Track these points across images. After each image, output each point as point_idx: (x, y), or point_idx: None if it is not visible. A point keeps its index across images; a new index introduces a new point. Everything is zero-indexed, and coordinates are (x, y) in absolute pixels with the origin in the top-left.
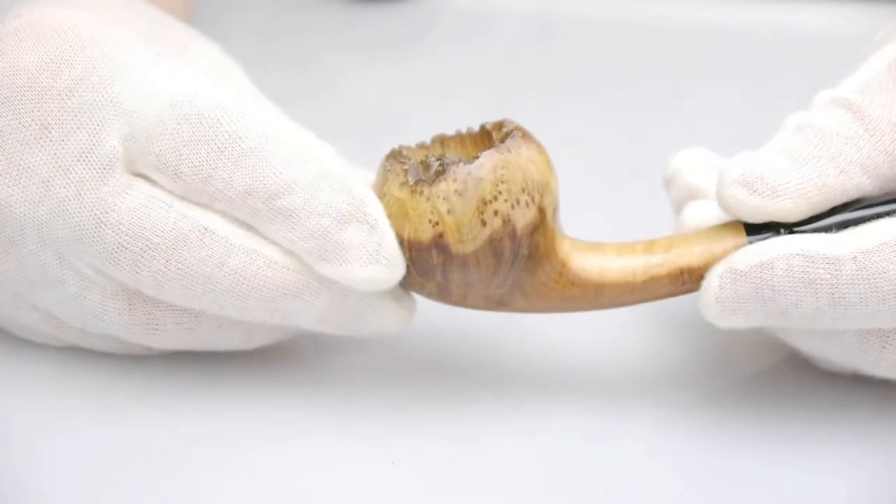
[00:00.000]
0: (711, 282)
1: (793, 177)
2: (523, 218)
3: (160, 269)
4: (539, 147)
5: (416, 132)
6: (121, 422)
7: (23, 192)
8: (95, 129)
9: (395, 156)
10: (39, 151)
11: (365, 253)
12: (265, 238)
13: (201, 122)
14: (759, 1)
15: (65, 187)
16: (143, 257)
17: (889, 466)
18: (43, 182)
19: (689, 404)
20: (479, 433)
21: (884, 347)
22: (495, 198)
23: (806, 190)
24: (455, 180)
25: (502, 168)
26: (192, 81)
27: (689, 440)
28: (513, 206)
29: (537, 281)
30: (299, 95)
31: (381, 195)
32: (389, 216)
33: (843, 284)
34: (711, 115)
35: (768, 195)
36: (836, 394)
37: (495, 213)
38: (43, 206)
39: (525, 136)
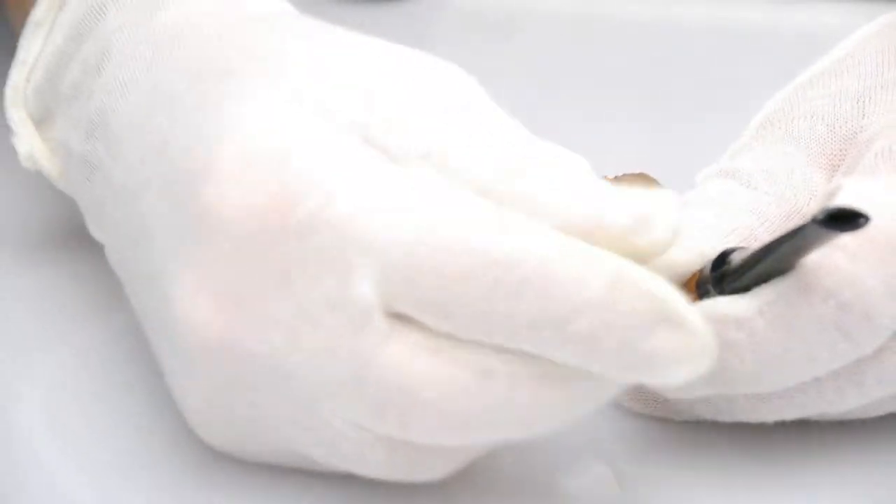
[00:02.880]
0: None
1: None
2: None
3: (433, 425)
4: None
5: None
6: None
7: (264, 344)
8: (342, 273)
9: None
10: (282, 300)
11: (679, 355)
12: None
13: (468, 254)
14: (785, 1)
15: (314, 340)
16: (412, 413)
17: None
18: (290, 332)
19: None
20: None
21: (861, 385)
22: None
23: (689, 231)
24: None
25: None
26: (446, 198)
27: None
28: None
29: None
30: None
31: None
32: None
33: (760, 342)
34: (730, 118)
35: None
36: None
37: None
38: (291, 358)
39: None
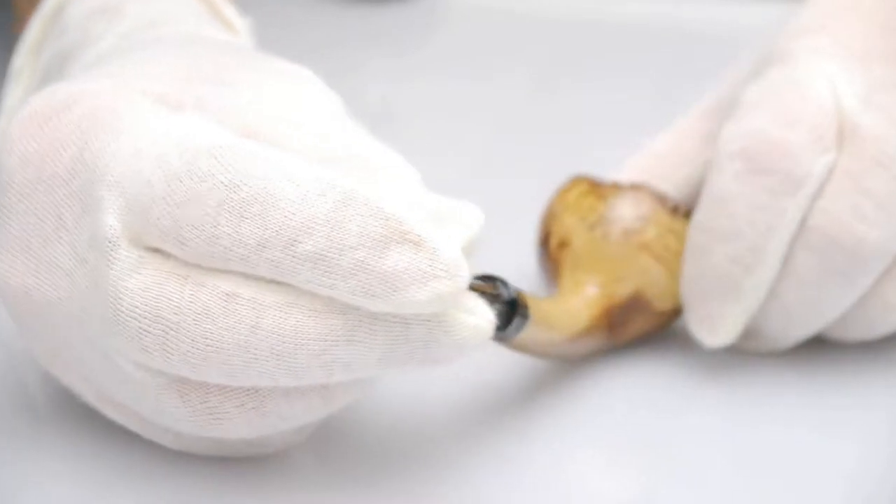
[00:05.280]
0: None
1: None
2: None
3: (188, 350)
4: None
5: (417, 132)
6: None
7: (55, 290)
8: (96, 209)
9: None
10: (59, 243)
11: (417, 273)
12: (300, 289)
13: (192, 178)
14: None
15: (84, 278)
16: (167, 340)
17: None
18: (67, 276)
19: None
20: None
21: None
22: None
23: None
24: None
25: None
26: (186, 132)
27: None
28: None
29: None
30: None
31: None
32: None
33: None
34: None
35: None
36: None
37: None
38: (73, 302)
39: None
